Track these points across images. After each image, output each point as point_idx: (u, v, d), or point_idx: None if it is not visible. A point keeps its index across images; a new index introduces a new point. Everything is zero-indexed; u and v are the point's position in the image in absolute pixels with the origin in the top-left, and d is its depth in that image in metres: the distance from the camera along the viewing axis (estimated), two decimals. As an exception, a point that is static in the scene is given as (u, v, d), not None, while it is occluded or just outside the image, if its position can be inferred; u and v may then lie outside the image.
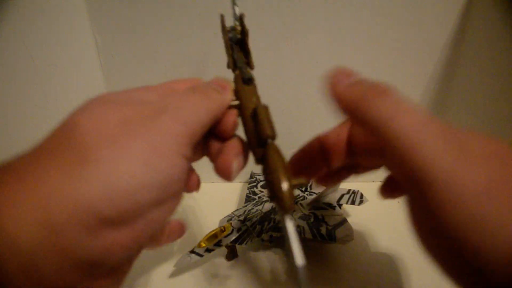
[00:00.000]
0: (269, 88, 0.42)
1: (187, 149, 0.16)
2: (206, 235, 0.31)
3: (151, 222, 0.14)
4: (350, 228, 0.33)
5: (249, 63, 0.23)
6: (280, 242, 0.34)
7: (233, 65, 0.22)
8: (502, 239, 0.12)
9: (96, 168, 0.13)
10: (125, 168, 0.13)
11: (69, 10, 0.35)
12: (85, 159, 0.13)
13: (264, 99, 0.43)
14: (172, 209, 0.16)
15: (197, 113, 0.16)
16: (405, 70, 0.42)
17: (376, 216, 0.40)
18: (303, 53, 0.40)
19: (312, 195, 0.38)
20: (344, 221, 0.33)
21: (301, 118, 0.44)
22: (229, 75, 0.24)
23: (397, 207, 0.44)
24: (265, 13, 0.38)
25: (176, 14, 0.37)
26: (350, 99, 0.18)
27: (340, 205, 0.36)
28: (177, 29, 0.38)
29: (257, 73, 0.41)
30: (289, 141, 0.46)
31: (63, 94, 0.34)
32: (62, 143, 0.14)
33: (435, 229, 0.14)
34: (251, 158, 0.21)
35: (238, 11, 0.25)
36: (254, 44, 0.39)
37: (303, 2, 0.37)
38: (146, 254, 0.34)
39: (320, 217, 0.34)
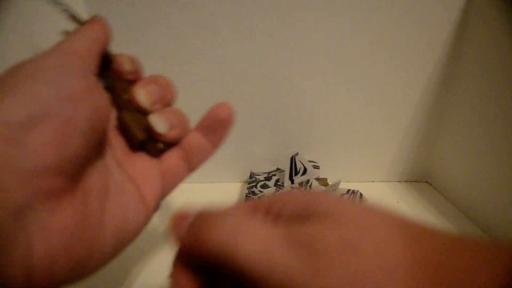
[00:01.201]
0: (269, 88, 0.42)
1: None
2: None
3: (68, 118, 0.15)
4: None
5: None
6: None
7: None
8: None
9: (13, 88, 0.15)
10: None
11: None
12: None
13: (264, 99, 0.43)
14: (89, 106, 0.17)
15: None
16: (405, 70, 0.42)
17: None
18: (303, 52, 0.40)
19: None
20: None
21: (301, 117, 0.44)
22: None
23: (396, 208, 0.44)
24: (265, 13, 0.38)
25: (175, 14, 0.37)
26: (190, 245, 0.16)
27: None
28: (175, 30, 0.38)
29: (257, 73, 0.41)
30: (289, 140, 0.46)
31: (62, 94, 0.34)
32: None
33: None
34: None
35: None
36: (253, 43, 0.40)
37: (303, 2, 0.37)
38: (145, 254, 0.34)
39: None
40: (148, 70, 0.40)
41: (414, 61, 0.41)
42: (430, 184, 0.49)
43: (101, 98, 0.18)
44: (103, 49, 0.21)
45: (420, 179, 0.50)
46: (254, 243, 0.13)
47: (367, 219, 0.13)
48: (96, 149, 0.18)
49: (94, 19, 0.22)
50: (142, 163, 0.21)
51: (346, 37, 0.39)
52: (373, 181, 0.49)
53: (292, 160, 0.42)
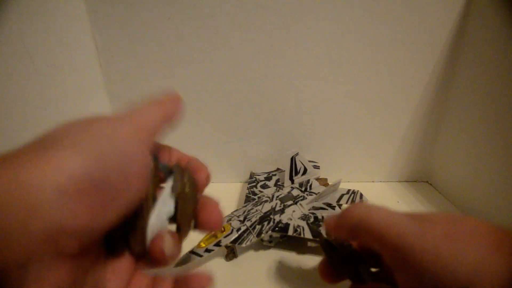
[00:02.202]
0: (269, 88, 0.42)
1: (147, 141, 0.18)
2: (206, 235, 0.31)
3: (119, 192, 0.15)
4: None
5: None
6: (279, 242, 0.34)
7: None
8: (459, 276, 0.17)
9: (47, 163, 0.14)
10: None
11: (68, 10, 0.35)
12: (43, 154, 0.14)
13: (265, 99, 0.43)
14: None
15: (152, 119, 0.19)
16: (405, 70, 0.42)
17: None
18: (303, 53, 0.40)
19: (311, 195, 0.38)
20: None
21: (301, 117, 0.44)
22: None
23: (396, 208, 0.44)
24: (265, 13, 0.38)
25: (175, 14, 0.37)
26: (342, 226, 0.24)
27: (340, 205, 0.36)
28: (176, 30, 0.38)
29: (257, 73, 0.41)
30: (289, 141, 0.46)
31: (62, 94, 0.34)
32: (41, 137, 0.15)
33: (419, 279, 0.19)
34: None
35: None
36: (253, 44, 0.40)
37: (303, 4, 0.37)
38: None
39: (320, 217, 0.33)
40: (148, 71, 0.40)
41: (414, 62, 0.41)
42: (430, 184, 0.49)
43: (146, 183, 0.17)
44: (168, 127, 0.20)
45: (420, 179, 0.50)
46: (381, 215, 0.21)
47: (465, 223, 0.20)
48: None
49: (171, 96, 0.22)
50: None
51: (347, 38, 0.39)
52: (373, 181, 0.49)
53: (292, 160, 0.42)
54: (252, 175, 0.44)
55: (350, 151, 0.47)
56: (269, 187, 0.41)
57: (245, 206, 0.37)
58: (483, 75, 0.38)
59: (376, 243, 0.21)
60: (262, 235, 0.32)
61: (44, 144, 0.14)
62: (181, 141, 0.44)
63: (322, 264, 0.26)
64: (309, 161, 0.43)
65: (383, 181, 0.49)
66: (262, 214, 0.34)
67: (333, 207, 0.35)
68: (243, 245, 0.31)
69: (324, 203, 0.36)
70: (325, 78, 0.41)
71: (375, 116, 0.44)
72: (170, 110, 0.20)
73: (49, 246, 0.13)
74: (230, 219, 0.33)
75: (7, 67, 0.27)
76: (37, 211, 0.13)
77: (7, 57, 0.27)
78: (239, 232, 0.32)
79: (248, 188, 0.41)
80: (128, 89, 0.41)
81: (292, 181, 0.41)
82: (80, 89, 0.37)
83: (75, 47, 0.36)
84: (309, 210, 0.35)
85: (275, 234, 0.33)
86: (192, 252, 0.30)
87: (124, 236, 0.18)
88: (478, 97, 0.39)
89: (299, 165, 0.42)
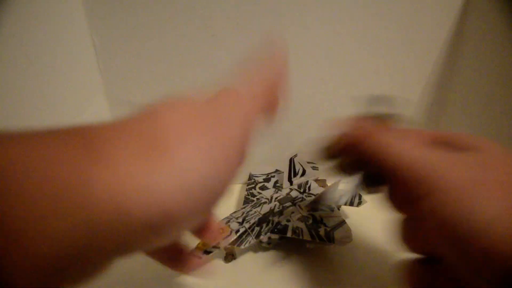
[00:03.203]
0: (267, 89, 0.42)
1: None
2: None
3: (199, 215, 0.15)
4: (348, 230, 0.32)
5: None
6: (278, 244, 0.34)
7: None
8: (495, 228, 0.14)
9: (171, 164, 0.13)
10: (197, 167, 0.13)
11: (66, 11, 0.35)
12: (163, 153, 0.13)
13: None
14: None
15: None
16: (403, 70, 0.42)
17: (375, 217, 0.40)
18: (302, 53, 0.40)
19: (310, 196, 0.38)
20: (342, 222, 0.33)
21: (300, 118, 0.44)
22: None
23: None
24: (264, 14, 0.38)
25: (174, 15, 0.37)
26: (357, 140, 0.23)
27: (338, 207, 0.36)
28: (175, 31, 0.38)
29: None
30: (288, 141, 0.46)
31: (61, 95, 0.34)
32: (143, 131, 0.14)
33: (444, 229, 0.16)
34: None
35: None
36: (252, 44, 0.40)
37: (301, 3, 0.37)
38: (142, 256, 0.34)
39: (318, 219, 0.33)
40: (147, 72, 0.40)
41: (413, 61, 0.41)
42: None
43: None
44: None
45: (419, 180, 0.50)
46: (405, 146, 0.19)
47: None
48: None
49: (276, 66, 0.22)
50: None
51: (345, 38, 0.39)
52: (372, 182, 0.49)
53: (291, 161, 0.42)
54: (250, 177, 0.43)
55: (349, 152, 0.47)
56: (268, 188, 0.41)
57: (244, 207, 0.37)
58: (482, 75, 0.38)
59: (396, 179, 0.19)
60: (261, 236, 0.32)
61: (144, 146, 0.13)
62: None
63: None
64: (308, 162, 0.43)
65: (382, 182, 0.49)
66: (261, 215, 0.34)
67: (332, 209, 0.35)
68: (242, 247, 0.31)
69: (323, 204, 0.36)
70: (323, 79, 0.41)
71: (374, 117, 0.44)
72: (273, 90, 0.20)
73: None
74: (228, 221, 0.33)
75: (4, 68, 0.27)
76: (172, 217, 0.12)
77: (4, 59, 0.27)
78: (238, 234, 0.32)
79: (246, 190, 0.41)
80: (127, 91, 0.41)
81: (291, 183, 0.41)
82: (78, 91, 0.37)
83: (73, 48, 0.36)
84: (307, 211, 0.35)
85: (273, 236, 0.33)
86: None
87: None
88: (477, 97, 0.39)
89: (297, 167, 0.42)
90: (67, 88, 0.35)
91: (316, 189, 0.40)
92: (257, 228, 0.32)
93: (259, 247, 0.34)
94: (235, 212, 0.36)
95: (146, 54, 0.39)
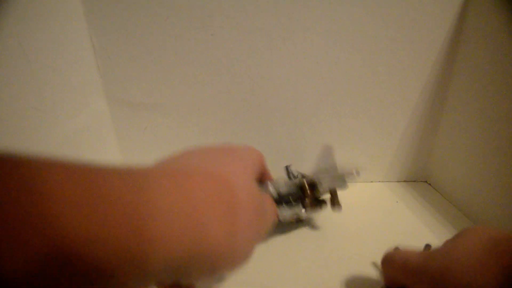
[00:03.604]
0: (267, 88, 0.42)
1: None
2: None
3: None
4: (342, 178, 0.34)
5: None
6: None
7: None
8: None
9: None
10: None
11: (65, 12, 0.34)
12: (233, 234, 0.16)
13: (263, 100, 0.43)
14: None
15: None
16: (403, 69, 0.42)
17: (376, 217, 0.40)
18: (301, 53, 0.40)
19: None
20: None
21: (300, 118, 0.44)
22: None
23: (395, 208, 0.44)
24: (262, 13, 0.38)
25: (173, 15, 0.37)
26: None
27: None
28: (173, 30, 0.38)
29: (254, 74, 0.41)
30: (289, 141, 0.46)
31: (60, 96, 0.34)
32: (221, 205, 0.16)
33: None
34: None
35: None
36: (251, 44, 0.40)
37: (300, 3, 0.37)
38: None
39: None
40: (146, 70, 0.40)
41: (412, 61, 0.41)
42: (429, 184, 0.49)
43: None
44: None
45: (419, 179, 0.50)
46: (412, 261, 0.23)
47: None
48: None
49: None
50: None
51: (344, 37, 0.39)
52: (372, 181, 0.49)
53: (287, 169, 0.40)
54: None
55: (348, 151, 0.47)
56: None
57: None
58: (482, 74, 0.38)
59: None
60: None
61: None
62: (178, 142, 0.44)
63: None
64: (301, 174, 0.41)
65: (382, 181, 0.49)
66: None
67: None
68: None
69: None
70: (323, 78, 0.41)
71: (373, 116, 0.44)
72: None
73: None
74: None
75: (4, 68, 0.27)
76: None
77: (4, 59, 0.27)
78: None
79: None
80: (125, 90, 0.41)
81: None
82: (77, 90, 0.37)
83: (73, 48, 0.36)
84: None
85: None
86: None
87: None
88: (477, 97, 0.39)
89: (295, 172, 0.40)
90: (66, 88, 0.35)
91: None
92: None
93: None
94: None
95: (145, 54, 0.39)
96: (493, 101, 0.36)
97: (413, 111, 0.45)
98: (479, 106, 0.38)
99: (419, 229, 0.38)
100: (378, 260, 0.28)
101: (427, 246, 0.31)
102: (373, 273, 0.32)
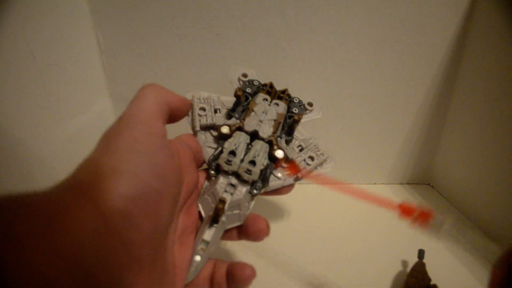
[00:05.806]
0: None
1: None
2: None
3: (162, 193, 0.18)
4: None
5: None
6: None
7: None
8: None
9: None
10: None
11: (71, 9, 0.35)
12: None
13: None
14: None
15: None
16: (408, 72, 0.41)
17: (378, 219, 0.40)
18: (306, 54, 0.40)
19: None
20: None
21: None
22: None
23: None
24: (269, 14, 0.38)
25: (178, 14, 0.37)
26: None
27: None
28: (179, 30, 0.38)
29: (259, 75, 0.41)
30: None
31: (65, 93, 0.34)
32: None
33: None
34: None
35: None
36: (258, 45, 0.40)
37: (306, 4, 0.37)
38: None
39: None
40: (152, 70, 0.40)
41: (417, 63, 0.41)
42: (432, 186, 0.49)
43: (190, 176, 0.23)
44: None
45: (422, 181, 0.50)
46: None
47: None
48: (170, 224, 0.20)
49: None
50: (186, 253, 0.22)
51: (350, 39, 0.39)
52: (375, 183, 0.49)
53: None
54: None
55: (351, 153, 0.47)
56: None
57: None
58: (486, 77, 0.38)
59: None
60: None
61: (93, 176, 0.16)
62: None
63: None
64: None
65: (385, 184, 0.49)
66: None
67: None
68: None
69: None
70: (328, 80, 0.41)
71: (377, 118, 0.44)
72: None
73: (128, 258, 0.15)
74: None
75: (10, 66, 0.27)
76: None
77: (10, 56, 0.27)
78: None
79: None
80: (131, 89, 0.41)
81: None
82: (82, 88, 0.37)
83: (78, 46, 0.36)
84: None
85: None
86: None
87: None
88: (481, 100, 0.39)
89: None
90: (71, 86, 0.35)
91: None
92: None
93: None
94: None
95: (150, 52, 0.39)
96: (497, 105, 0.36)
97: (417, 114, 0.44)
98: (483, 109, 0.38)
99: (421, 232, 0.38)
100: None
101: (421, 252, 0.31)
102: (374, 275, 0.32)
